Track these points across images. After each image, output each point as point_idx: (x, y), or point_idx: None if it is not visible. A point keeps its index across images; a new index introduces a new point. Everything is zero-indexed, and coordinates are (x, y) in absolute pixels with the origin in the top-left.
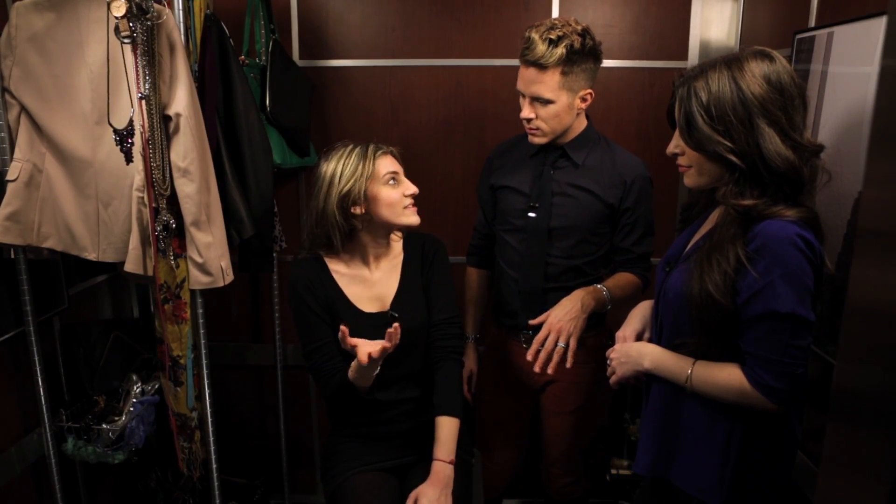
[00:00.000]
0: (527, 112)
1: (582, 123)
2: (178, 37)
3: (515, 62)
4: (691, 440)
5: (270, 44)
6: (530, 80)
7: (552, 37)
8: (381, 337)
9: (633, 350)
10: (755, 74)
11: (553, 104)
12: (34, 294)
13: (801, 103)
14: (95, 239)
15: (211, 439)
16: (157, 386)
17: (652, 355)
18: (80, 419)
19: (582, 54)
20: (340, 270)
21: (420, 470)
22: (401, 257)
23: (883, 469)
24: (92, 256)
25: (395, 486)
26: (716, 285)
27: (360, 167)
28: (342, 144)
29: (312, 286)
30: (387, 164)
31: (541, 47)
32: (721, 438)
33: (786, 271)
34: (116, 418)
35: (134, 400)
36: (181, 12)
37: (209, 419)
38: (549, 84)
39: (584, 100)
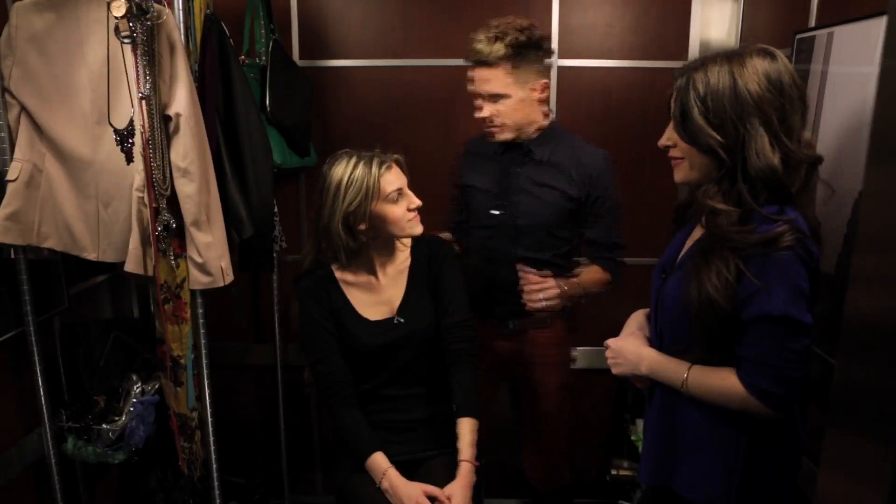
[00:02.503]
0: (485, 112)
1: (544, 120)
2: (178, 37)
3: None
4: (695, 448)
5: (270, 44)
6: (481, 80)
7: (491, 35)
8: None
9: (630, 353)
10: (755, 71)
11: (508, 99)
12: (34, 294)
13: (800, 105)
14: (95, 239)
15: (211, 439)
16: (157, 386)
17: (649, 359)
18: (80, 419)
19: (526, 47)
20: (347, 279)
21: (427, 467)
22: (408, 262)
23: (882, 472)
24: (92, 256)
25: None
26: (715, 289)
27: (365, 186)
28: (346, 154)
29: (318, 295)
30: (391, 180)
31: (485, 46)
32: (725, 446)
33: (779, 274)
34: (116, 418)
35: (134, 400)
36: (181, 12)
37: (209, 419)
38: (499, 80)
39: (537, 91)
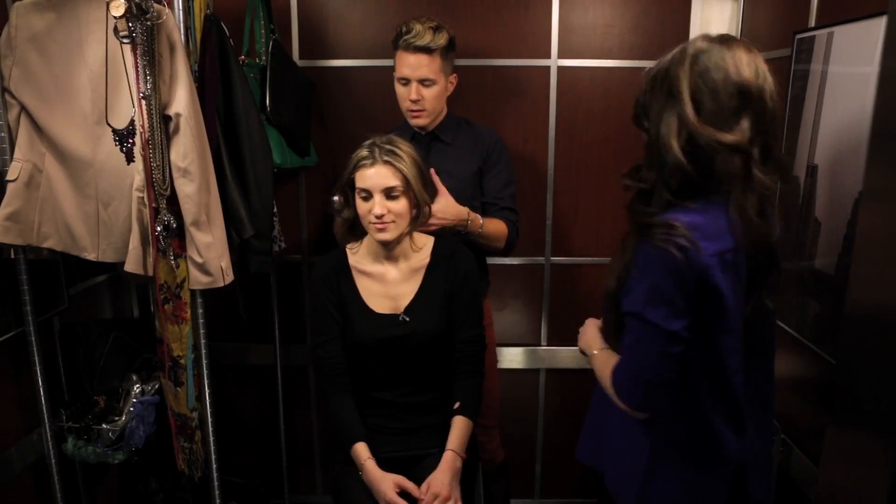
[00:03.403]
0: (415, 95)
1: (446, 109)
2: (178, 37)
3: (517, 62)
4: (615, 440)
5: (270, 44)
6: (418, 65)
7: (433, 25)
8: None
9: (583, 330)
10: (690, 55)
11: (436, 85)
12: (34, 294)
13: (735, 95)
14: (95, 239)
15: (211, 439)
16: (157, 386)
17: (585, 337)
18: (81, 419)
19: (453, 44)
20: (359, 266)
21: (425, 465)
22: (426, 262)
23: (882, 472)
24: (92, 256)
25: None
26: (614, 272)
27: (347, 172)
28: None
29: (329, 281)
30: (362, 177)
31: (428, 35)
32: (634, 442)
33: (644, 271)
34: (116, 418)
35: (134, 400)
36: (181, 12)
37: (209, 419)
38: (433, 67)
39: (453, 83)
